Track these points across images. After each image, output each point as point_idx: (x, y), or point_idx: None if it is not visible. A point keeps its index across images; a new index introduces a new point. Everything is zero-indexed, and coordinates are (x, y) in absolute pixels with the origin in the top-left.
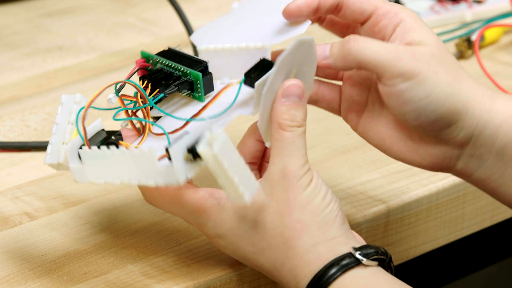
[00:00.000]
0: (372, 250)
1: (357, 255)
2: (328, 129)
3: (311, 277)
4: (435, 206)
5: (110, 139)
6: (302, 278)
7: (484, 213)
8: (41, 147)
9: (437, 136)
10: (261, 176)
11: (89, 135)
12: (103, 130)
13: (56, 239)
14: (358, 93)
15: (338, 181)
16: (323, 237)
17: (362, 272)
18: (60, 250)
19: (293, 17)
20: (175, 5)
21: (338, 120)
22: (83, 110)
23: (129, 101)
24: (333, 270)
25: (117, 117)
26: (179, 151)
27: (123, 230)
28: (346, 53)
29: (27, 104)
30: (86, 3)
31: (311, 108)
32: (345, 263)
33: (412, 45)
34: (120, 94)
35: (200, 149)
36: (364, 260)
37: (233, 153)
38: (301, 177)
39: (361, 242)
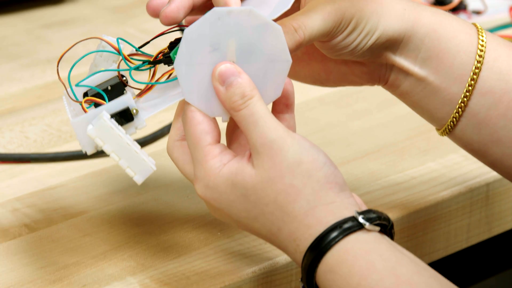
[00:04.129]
0: (375, 215)
1: (360, 219)
2: (327, 140)
3: (311, 240)
4: (434, 218)
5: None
6: (303, 241)
7: (484, 225)
8: (40, 158)
9: (370, 57)
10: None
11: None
12: (116, 77)
13: (55, 251)
14: None
15: None
16: (320, 201)
17: (365, 237)
18: (59, 262)
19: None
20: None
21: (337, 131)
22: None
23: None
24: (334, 233)
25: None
26: (79, 125)
27: (123, 242)
28: (300, 45)
29: (26, 116)
30: (86, 14)
31: (310, 120)
32: (347, 227)
33: None
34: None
35: (87, 131)
36: (367, 225)
37: (115, 137)
38: (279, 139)
39: (363, 207)
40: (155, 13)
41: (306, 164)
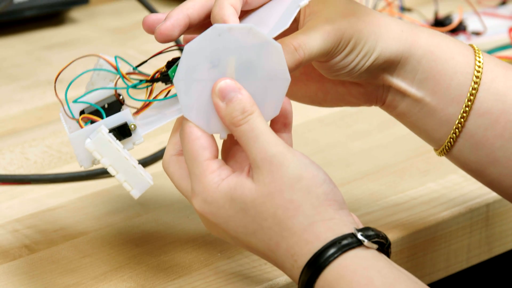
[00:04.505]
0: (373, 233)
1: (359, 235)
2: (327, 161)
3: (309, 256)
4: (434, 239)
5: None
6: (301, 257)
7: (484, 245)
8: (41, 179)
9: (367, 78)
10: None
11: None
12: (113, 96)
13: (55, 272)
14: None
15: None
16: (319, 217)
17: (363, 253)
18: (60, 283)
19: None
20: None
21: (337, 152)
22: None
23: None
24: (333, 250)
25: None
26: (76, 139)
27: (123, 263)
28: (299, 64)
29: (27, 137)
30: (86, 36)
31: (309, 140)
32: (346, 243)
33: (317, 14)
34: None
35: (85, 144)
36: (366, 242)
37: (113, 151)
38: (279, 155)
39: (360, 225)
40: (150, 30)
41: (306, 180)
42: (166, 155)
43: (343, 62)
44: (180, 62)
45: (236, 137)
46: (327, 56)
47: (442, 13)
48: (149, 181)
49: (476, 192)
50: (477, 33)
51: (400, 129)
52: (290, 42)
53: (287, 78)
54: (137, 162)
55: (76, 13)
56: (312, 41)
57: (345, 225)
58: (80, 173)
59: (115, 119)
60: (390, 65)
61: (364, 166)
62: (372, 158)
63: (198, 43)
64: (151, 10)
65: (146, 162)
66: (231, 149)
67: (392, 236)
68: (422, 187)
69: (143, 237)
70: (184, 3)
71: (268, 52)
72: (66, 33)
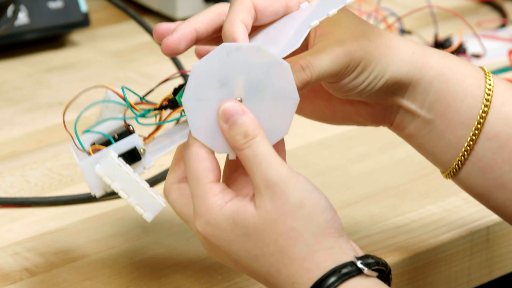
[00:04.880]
0: (373, 260)
1: (359, 264)
2: (327, 184)
3: (310, 284)
4: (434, 261)
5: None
6: (301, 285)
7: (485, 268)
8: (41, 202)
9: (376, 99)
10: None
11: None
12: (123, 126)
13: None
14: None
15: None
16: (320, 246)
17: (363, 282)
18: None
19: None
20: (175, 60)
21: (337, 175)
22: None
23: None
24: (333, 278)
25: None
26: (87, 167)
27: (124, 286)
28: (306, 84)
29: (27, 160)
30: (87, 58)
31: (309, 163)
32: (346, 272)
33: (327, 36)
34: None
35: (95, 169)
36: (366, 270)
37: (123, 174)
38: (282, 182)
39: (359, 252)
40: (160, 39)
41: (308, 207)
42: (167, 182)
43: (353, 83)
44: (189, 80)
45: (240, 160)
46: (336, 77)
47: (442, 36)
48: (161, 203)
49: (477, 214)
50: (477, 56)
51: (400, 152)
52: (297, 61)
53: (295, 97)
54: (148, 185)
55: (77, 36)
56: (320, 62)
57: (345, 254)
58: (80, 196)
59: (124, 144)
60: (400, 87)
61: (364, 188)
62: (372, 181)
63: (206, 62)
64: (152, 33)
65: None
66: (234, 173)
67: (392, 258)
68: (423, 209)
69: (143, 260)
70: (193, 17)
71: (277, 71)
72: (66, 56)
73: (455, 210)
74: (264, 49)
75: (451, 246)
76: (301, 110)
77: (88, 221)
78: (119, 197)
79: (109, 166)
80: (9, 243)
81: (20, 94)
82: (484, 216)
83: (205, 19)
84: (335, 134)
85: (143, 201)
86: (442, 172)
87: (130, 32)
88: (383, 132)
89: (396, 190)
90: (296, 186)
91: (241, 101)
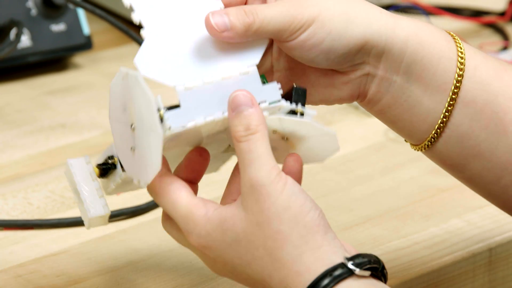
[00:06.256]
0: (364, 260)
1: (350, 265)
2: (329, 206)
3: None
4: (437, 283)
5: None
6: None
7: None
8: (43, 225)
9: (349, 64)
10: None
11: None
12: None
13: None
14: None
15: None
16: (308, 247)
17: (355, 284)
18: None
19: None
20: None
21: (339, 196)
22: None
23: None
24: (325, 281)
25: None
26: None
27: None
28: (249, 27)
29: (30, 182)
30: (89, 81)
31: (311, 186)
32: (337, 274)
33: None
34: None
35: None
36: (357, 271)
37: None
38: (269, 185)
39: (351, 250)
40: None
41: (294, 209)
42: (161, 221)
43: (312, 41)
44: (110, 103)
45: (236, 151)
46: (286, 32)
47: None
48: (91, 215)
49: (479, 236)
50: None
51: (402, 174)
52: (242, 6)
53: (158, 132)
54: (102, 194)
55: (79, 58)
56: (266, 10)
57: (334, 253)
58: None
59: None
60: (374, 48)
61: (366, 211)
62: (374, 203)
63: (112, 84)
64: None
65: (140, 210)
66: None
67: (395, 281)
68: (425, 231)
69: (146, 282)
70: None
71: (144, 101)
72: (68, 79)
73: (457, 232)
74: (138, 77)
75: (454, 268)
76: (282, 87)
77: (90, 244)
78: (121, 219)
79: (67, 174)
80: (12, 266)
81: (23, 116)
82: (487, 238)
83: None
84: (337, 156)
85: (82, 210)
86: (416, 145)
87: (132, 55)
88: (385, 155)
89: (398, 212)
90: (283, 190)
91: (133, 130)
